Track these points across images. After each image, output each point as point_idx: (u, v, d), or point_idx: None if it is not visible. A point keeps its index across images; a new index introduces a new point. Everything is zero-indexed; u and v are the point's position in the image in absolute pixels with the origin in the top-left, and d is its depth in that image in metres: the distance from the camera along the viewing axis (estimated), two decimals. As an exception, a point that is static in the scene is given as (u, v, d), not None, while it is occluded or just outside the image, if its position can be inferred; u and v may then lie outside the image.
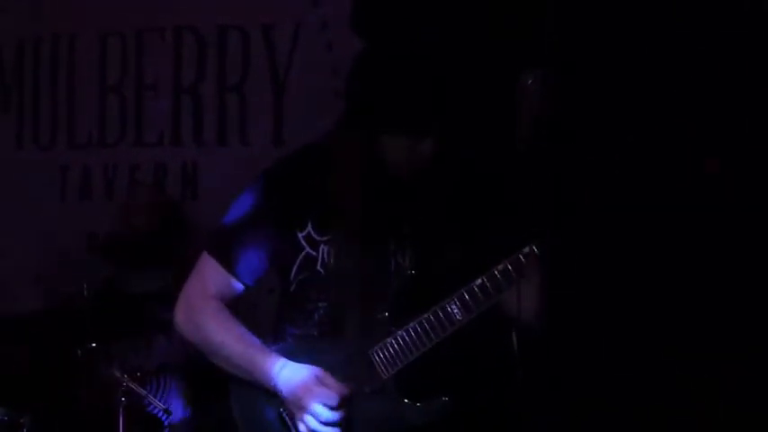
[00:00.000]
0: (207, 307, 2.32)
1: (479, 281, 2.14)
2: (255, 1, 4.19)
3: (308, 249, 2.28)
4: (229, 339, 2.31)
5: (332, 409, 2.16)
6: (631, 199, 2.18)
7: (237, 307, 2.34)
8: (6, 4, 4.44)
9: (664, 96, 2.50)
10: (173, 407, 3.56)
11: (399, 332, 2.20)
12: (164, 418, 3.54)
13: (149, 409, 3.56)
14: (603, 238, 2.08)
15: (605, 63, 2.78)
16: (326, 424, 2.16)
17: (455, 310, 2.16)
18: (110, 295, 3.82)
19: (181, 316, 2.36)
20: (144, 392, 3.30)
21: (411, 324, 2.18)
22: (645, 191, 2.27)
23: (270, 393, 2.25)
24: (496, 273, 2.13)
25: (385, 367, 2.24)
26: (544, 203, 2.11)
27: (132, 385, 3.22)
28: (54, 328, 3.80)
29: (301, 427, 2.20)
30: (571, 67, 2.84)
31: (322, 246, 2.28)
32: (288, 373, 2.20)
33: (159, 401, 3.43)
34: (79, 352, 3.50)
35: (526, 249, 2.12)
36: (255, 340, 2.31)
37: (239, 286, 2.31)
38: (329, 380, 2.18)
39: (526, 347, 2.33)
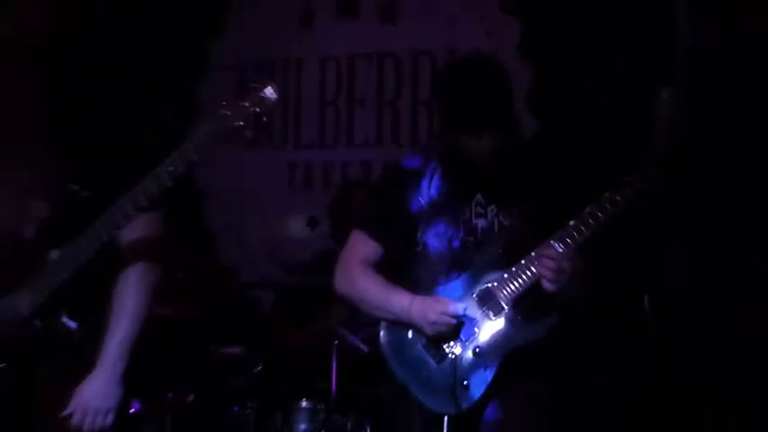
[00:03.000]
0: (354, 266, 2.70)
1: (587, 210, 2.43)
2: (441, 30, 4.43)
3: (428, 212, 2.66)
4: (371, 286, 2.65)
5: (449, 315, 2.51)
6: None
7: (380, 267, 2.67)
8: (247, 33, 4.84)
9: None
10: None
11: (512, 269, 2.52)
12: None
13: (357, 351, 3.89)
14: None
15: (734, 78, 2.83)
16: (449, 320, 2.52)
17: (557, 245, 2.45)
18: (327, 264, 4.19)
19: (336, 277, 2.72)
20: (352, 338, 3.69)
21: (521, 262, 2.50)
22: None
23: (408, 327, 2.62)
24: (588, 210, 2.41)
25: (504, 297, 2.55)
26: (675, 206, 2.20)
27: (343, 332, 3.66)
28: (285, 290, 4.37)
29: (434, 330, 2.54)
30: (701, 84, 2.95)
31: None
32: (418, 304, 2.53)
33: (363, 347, 3.73)
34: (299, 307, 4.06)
35: (627, 179, 2.38)
36: (391, 285, 2.63)
37: (380, 250, 2.67)
38: (440, 299, 2.54)
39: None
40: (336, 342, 3.65)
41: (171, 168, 2.40)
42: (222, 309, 4.32)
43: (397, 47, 4.69)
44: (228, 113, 2.33)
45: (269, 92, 2.30)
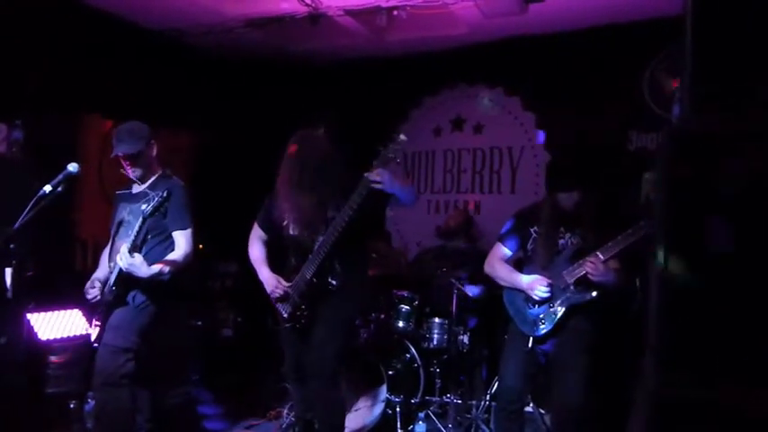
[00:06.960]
0: (495, 262, 3.53)
1: (618, 237, 3.02)
2: (503, 137, 6.17)
3: (534, 235, 3.40)
4: (504, 271, 3.51)
5: (544, 285, 3.22)
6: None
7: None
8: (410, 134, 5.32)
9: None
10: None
11: (574, 264, 3.22)
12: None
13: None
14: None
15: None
16: (543, 292, 3.21)
17: (600, 255, 3.11)
18: (442, 250, 5.47)
19: (486, 266, 3.58)
20: (464, 287, 4.74)
21: (579, 261, 3.19)
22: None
23: (520, 291, 3.35)
24: (622, 235, 3.02)
25: (568, 278, 3.25)
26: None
27: (459, 284, 4.66)
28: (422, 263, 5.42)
29: (535, 294, 3.23)
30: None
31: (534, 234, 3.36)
32: (526, 279, 3.32)
33: (469, 293, 4.82)
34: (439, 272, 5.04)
35: (642, 223, 2.96)
36: (513, 269, 3.46)
37: (508, 253, 3.51)
38: (541, 278, 3.24)
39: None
40: (456, 290, 4.77)
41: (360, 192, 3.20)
42: (399, 270, 5.53)
43: (483, 145, 6.44)
44: (385, 149, 3.14)
45: (402, 137, 3.17)
